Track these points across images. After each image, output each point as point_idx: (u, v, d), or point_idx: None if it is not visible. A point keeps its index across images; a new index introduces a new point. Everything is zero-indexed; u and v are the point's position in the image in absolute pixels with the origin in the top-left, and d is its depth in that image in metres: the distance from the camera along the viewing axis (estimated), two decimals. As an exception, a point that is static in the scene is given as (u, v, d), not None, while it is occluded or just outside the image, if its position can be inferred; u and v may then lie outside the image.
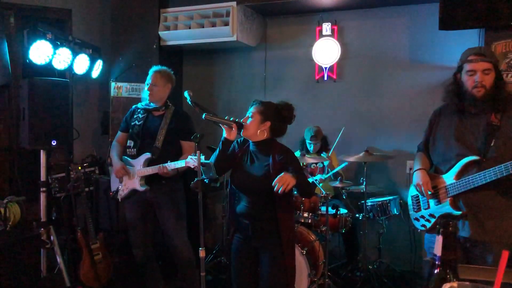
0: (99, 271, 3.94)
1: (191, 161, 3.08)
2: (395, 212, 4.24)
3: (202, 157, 2.75)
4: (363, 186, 4.16)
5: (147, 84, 3.49)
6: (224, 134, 2.71)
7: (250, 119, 2.68)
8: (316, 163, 4.56)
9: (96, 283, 3.93)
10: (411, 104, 4.58)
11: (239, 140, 2.86)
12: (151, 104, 3.52)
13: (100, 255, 3.96)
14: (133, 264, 4.12)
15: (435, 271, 0.99)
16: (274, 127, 2.70)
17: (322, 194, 3.85)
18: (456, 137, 2.48)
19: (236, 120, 2.70)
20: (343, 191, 4.40)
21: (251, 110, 2.71)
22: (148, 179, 3.42)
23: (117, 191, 3.59)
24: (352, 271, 4.34)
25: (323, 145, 4.59)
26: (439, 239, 0.97)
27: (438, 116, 2.66)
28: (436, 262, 0.99)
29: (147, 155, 3.40)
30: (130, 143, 3.55)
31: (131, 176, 3.46)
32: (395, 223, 4.56)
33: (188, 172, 3.47)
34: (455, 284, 0.92)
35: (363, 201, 4.20)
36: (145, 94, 3.52)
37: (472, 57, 2.42)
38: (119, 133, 3.70)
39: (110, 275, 4.03)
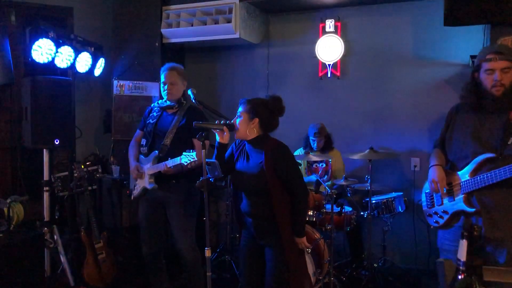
0: (103, 270, 3.93)
1: (184, 158, 3.04)
2: (400, 209, 4.22)
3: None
4: (368, 184, 4.14)
5: (164, 84, 3.44)
6: (218, 139, 2.71)
7: (238, 119, 2.67)
8: (319, 162, 4.53)
9: (100, 282, 3.92)
10: (415, 101, 4.55)
11: (236, 141, 2.84)
12: (167, 102, 3.49)
13: (104, 254, 3.95)
14: (137, 263, 4.11)
15: (459, 277, 0.96)
16: (263, 123, 2.67)
17: (327, 192, 3.83)
18: (473, 134, 2.47)
19: (227, 122, 2.68)
20: (348, 189, 4.37)
21: (239, 110, 2.69)
22: (158, 178, 3.38)
23: (132, 189, 3.59)
24: (357, 269, 4.31)
25: (327, 143, 4.55)
26: (463, 244, 0.94)
27: (455, 113, 2.64)
28: (461, 268, 0.95)
29: (155, 153, 3.39)
30: (143, 141, 3.55)
31: (143, 174, 3.45)
32: (400, 221, 4.53)
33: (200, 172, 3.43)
34: None
35: (367, 199, 4.18)
36: (163, 93, 3.48)
37: (491, 56, 2.40)
38: (137, 132, 3.69)
39: (114, 274, 4.02)
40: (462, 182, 2.47)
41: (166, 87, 3.43)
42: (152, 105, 3.66)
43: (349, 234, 4.47)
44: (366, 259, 4.30)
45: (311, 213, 3.96)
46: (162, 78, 3.46)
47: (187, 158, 3.00)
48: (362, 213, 4.29)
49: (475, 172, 2.41)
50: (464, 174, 2.48)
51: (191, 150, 3.00)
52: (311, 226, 3.92)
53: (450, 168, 2.62)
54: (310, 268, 3.61)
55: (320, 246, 3.82)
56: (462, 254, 0.97)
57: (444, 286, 1.25)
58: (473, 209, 2.40)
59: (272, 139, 2.73)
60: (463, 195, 2.45)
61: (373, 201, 4.19)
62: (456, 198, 2.50)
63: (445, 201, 2.57)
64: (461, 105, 2.62)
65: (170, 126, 3.39)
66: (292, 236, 2.70)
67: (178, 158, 3.11)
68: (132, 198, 3.60)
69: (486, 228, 2.35)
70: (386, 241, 4.43)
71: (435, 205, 2.64)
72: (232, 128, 2.67)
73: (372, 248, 4.30)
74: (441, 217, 2.59)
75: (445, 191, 2.54)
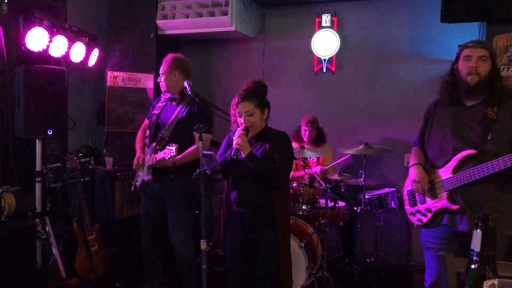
0: (95, 262, 3.90)
1: (167, 152, 3.03)
2: (393, 205, 4.24)
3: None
4: (362, 179, 4.15)
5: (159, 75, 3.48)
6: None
7: (250, 117, 2.63)
8: (312, 157, 4.53)
9: (91, 274, 3.89)
10: (411, 97, 4.56)
11: (231, 133, 2.83)
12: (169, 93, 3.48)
13: (96, 246, 3.92)
14: (129, 255, 4.09)
15: (472, 267, 0.96)
16: (269, 111, 2.74)
17: (321, 187, 3.83)
18: (452, 130, 2.45)
19: (247, 134, 2.61)
20: (342, 183, 4.38)
21: (247, 107, 2.63)
22: (156, 171, 3.35)
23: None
24: (350, 264, 4.34)
25: (319, 136, 4.54)
26: (477, 234, 0.94)
27: (433, 110, 2.62)
28: (474, 258, 0.95)
29: (153, 144, 3.36)
30: (147, 132, 3.54)
31: (143, 166, 3.43)
32: (392, 217, 4.55)
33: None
34: (496, 281, 0.89)
35: (361, 194, 4.19)
36: None
37: (470, 44, 2.41)
38: (146, 121, 3.68)
39: (105, 266, 4.00)
40: (444, 180, 2.45)
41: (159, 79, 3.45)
42: (161, 95, 3.63)
43: (342, 229, 4.49)
44: (358, 254, 4.32)
45: (305, 207, 3.97)
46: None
47: (168, 152, 3.00)
48: (355, 208, 4.31)
49: (457, 169, 2.39)
50: (445, 172, 2.45)
51: (172, 145, 3.00)
52: (305, 221, 3.93)
53: (431, 166, 2.59)
54: (303, 263, 3.62)
55: (314, 240, 3.83)
56: (477, 245, 0.97)
57: (444, 279, 1.25)
58: (457, 206, 2.40)
59: (273, 129, 2.77)
60: (446, 193, 2.44)
61: (367, 197, 4.21)
62: (439, 196, 2.48)
63: (428, 199, 2.55)
64: (438, 101, 2.60)
65: (171, 118, 3.36)
66: (286, 229, 2.72)
67: (162, 152, 3.12)
68: (132, 189, 3.59)
69: (470, 225, 2.35)
70: (379, 237, 4.46)
71: (418, 203, 2.61)
72: (248, 132, 2.64)
73: (365, 243, 4.32)
74: (424, 215, 2.57)
75: (426, 189, 2.52)
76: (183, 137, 3.28)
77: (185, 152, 3.26)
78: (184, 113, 3.34)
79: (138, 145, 3.60)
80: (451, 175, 2.41)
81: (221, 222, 4.67)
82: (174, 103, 3.45)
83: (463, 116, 2.43)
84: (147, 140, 3.50)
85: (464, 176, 2.34)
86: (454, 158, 2.40)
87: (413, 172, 2.58)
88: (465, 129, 2.41)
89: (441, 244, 2.48)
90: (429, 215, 2.53)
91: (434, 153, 2.56)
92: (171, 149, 2.99)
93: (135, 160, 3.46)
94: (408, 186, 2.70)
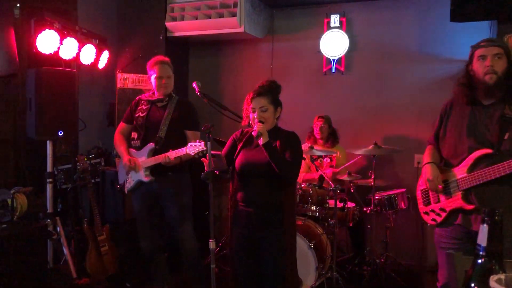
0: (105, 262, 3.93)
1: (190, 148, 3.02)
2: (403, 206, 4.21)
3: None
4: (371, 180, 4.13)
5: (161, 78, 3.41)
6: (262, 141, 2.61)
7: (264, 113, 2.64)
8: (324, 157, 4.51)
9: (102, 274, 3.93)
10: (420, 97, 4.54)
11: (239, 132, 2.85)
12: (155, 95, 3.49)
13: (106, 247, 3.95)
14: (139, 255, 4.11)
15: (479, 261, 0.96)
16: (281, 109, 2.76)
17: (330, 188, 3.82)
18: (468, 129, 2.42)
19: (260, 121, 2.63)
20: (351, 184, 4.37)
21: (261, 103, 2.65)
22: (154, 171, 3.37)
23: (124, 183, 3.56)
24: (359, 265, 4.32)
25: (332, 136, 4.53)
26: (484, 229, 0.93)
27: (450, 108, 2.59)
28: (480, 253, 0.95)
29: (151, 145, 3.37)
30: (134, 135, 3.51)
31: (137, 168, 3.43)
32: (402, 217, 4.53)
33: (195, 164, 3.42)
34: (502, 276, 0.88)
35: (370, 195, 4.17)
36: (158, 87, 3.44)
37: (483, 43, 2.39)
38: (123, 124, 3.63)
39: (116, 266, 4.03)
40: (459, 179, 2.43)
41: (162, 81, 3.41)
42: (138, 98, 3.62)
43: (352, 230, 4.48)
44: (368, 255, 4.30)
45: (314, 208, 3.96)
46: (157, 73, 3.41)
47: (195, 148, 2.97)
48: (365, 209, 4.29)
49: (472, 168, 2.36)
50: (460, 171, 2.42)
51: (200, 141, 2.97)
52: (314, 221, 3.92)
53: (445, 165, 2.57)
54: (312, 263, 3.61)
55: (323, 241, 3.82)
56: (483, 239, 0.96)
57: (453, 277, 1.25)
58: (472, 206, 2.37)
59: (283, 129, 2.78)
60: (460, 192, 2.42)
61: (376, 197, 4.18)
62: (453, 195, 2.45)
63: (442, 198, 2.53)
64: (455, 100, 2.57)
65: (163, 119, 3.39)
66: (293, 227, 2.76)
67: (184, 148, 3.08)
68: (126, 192, 3.59)
69: None
70: (389, 237, 4.42)
71: (432, 202, 2.59)
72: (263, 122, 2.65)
73: (375, 244, 4.30)
74: (438, 215, 2.54)
75: (440, 188, 2.50)
76: (177, 136, 3.35)
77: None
78: (176, 112, 3.42)
79: (122, 148, 3.51)
80: (466, 174, 2.38)
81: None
82: (159, 105, 3.47)
83: (480, 115, 2.41)
84: (137, 142, 3.46)
85: (479, 175, 2.32)
86: (469, 157, 2.38)
87: (427, 171, 2.56)
88: (481, 128, 2.38)
89: (455, 244, 2.45)
90: (444, 214, 2.50)
91: (449, 152, 2.54)
92: (199, 145, 2.92)
93: (127, 163, 3.38)
94: (422, 185, 2.67)
